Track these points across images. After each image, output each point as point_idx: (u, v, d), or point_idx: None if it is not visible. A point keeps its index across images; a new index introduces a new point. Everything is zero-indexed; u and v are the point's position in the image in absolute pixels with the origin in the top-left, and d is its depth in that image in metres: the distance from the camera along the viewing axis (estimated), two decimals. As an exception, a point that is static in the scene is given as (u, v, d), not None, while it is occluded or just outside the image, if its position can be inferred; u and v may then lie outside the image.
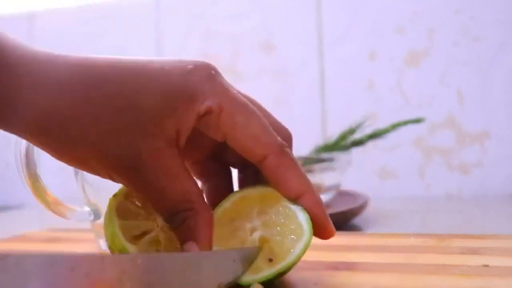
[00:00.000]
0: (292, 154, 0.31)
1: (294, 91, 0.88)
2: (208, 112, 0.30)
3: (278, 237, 0.31)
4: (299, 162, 0.32)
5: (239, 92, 0.32)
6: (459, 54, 0.79)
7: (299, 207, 0.31)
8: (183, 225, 0.30)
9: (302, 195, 0.31)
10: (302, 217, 0.31)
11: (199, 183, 0.35)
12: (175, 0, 0.95)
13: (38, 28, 1.04)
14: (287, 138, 0.33)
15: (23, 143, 0.38)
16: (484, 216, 0.65)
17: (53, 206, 0.40)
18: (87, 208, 0.43)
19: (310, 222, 0.30)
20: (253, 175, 0.34)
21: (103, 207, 0.41)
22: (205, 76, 0.30)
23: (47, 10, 1.03)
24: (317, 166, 0.63)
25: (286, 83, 0.88)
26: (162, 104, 0.29)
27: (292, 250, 0.30)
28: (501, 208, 0.68)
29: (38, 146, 0.31)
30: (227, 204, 0.32)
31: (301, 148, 0.75)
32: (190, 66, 0.30)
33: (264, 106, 0.33)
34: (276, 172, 0.31)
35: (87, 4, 1.01)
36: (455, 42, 0.80)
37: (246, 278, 0.30)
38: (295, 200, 0.31)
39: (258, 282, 0.29)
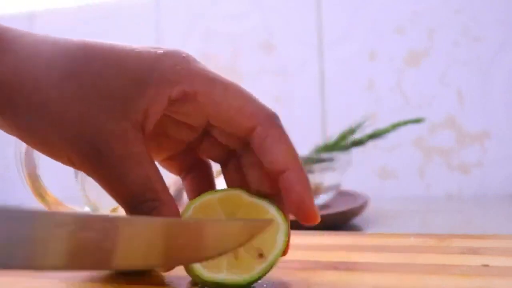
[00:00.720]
0: (282, 126, 0.30)
1: (294, 91, 0.88)
2: (183, 96, 0.29)
3: None
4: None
5: (215, 73, 0.30)
6: (459, 54, 0.79)
7: (266, 201, 0.31)
8: (150, 215, 0.29)
9: (285, 171, 0.29)
10: (272, 210, 0.30)
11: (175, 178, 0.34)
12: (175, 0, 0.95)
13: (38, 28, 1.04)
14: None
15: (23, 143, 0.38)
16: (484, 216, 0.65)
17: (53, 206, 0.40)
18: (87, 208, 0.43)
19: (281, 212, 0.30)
20: (236, 169, 0.32)
21: (103, 207, 0.41)
22: (177, 60, 0.29)
23: (47, 10, 1.03)
24: (317, 166, 0.63)
25: (286, 83, 0.88)
26: (131, 85, 0.28)
27: (275, 242, 0.30)
28: (501, 208, 0.68)
29: (9, 131, 0.30)
30: (190, 213, 0.31)
31: (301, 148, 0.75)
32: (160, 51, 0.30)
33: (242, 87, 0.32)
34: (262, 145, 0.29)
35: (87, 4, 1.01)
36: (455, 42, 0.80)
37: (242, 277, 0.29)
38: (280, 174, 0.29)
39: (255, 279, 0.30)
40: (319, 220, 0.30)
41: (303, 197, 0.29)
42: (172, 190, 0.39)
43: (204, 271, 0.29)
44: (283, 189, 0.29)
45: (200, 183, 0.34)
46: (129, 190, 0.28)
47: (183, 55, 0.30)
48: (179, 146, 0.33)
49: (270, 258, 0.30)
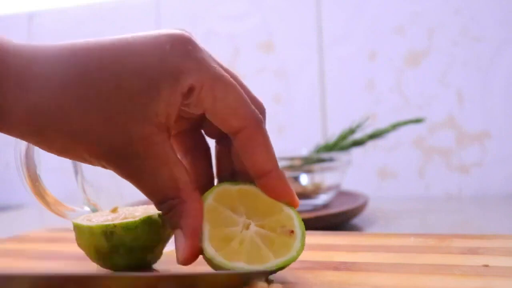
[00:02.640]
0: (266, 130, 0.32)
1: (294, 91, 0.88)
2: (191, 89, 0.30)
3: (269, 217, 0.31)
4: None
5: (217, 63, 0.31)
6: (459, 54, 0.80)
7: (250, 184, 0.32)
8: (170, 212, 0.30)
9: (267, 173, 0.31)
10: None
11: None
12: (175, 0, 0.95)
13: (38, 28, 1.04)
14: (261, 112, 0.33)
15: (23, 143, 0.38)
16: (484, 216, 0.65)
17: (53, 206, 0.40)
18: (87, 208, 0.43)
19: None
20: (230, 146, 0.33)
21: (103, 207, 0.41)
22: (183, 54, 0.30)
23: (47, 10, 1.03)
24: (317, 166, 0.63)
25: (286, 83, 0.88)
26: (147, 87, 0.29)
27: (290, 214, 0.31)
28: (501, 208, 0.68)
29: (32, 143, 0.30)
30: (209, 200, 0.32)
31: (301, 148, 0.75)
32: (167, 46, 0.30)
33: (240, 78, 0.33)
34: (246, 146, 0.31)
35: (87, 4, 1.01)
36: (455, 42, 0.80)
37: (290, 255, 0.30)
38: (259, 176, 0.32)
39: (301, 250, 0.31)
40: (299, 203, 0.33)
41: (286, 191, 0.32)
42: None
43: (254, 266, 0.30)
44: (264, 187, 0.32)
45: (199, 163, 0.35)
46: (155, 189, 0.30)
47: (189, 46, 0.30)
48: (182, 125, 0.34)
49: (298, 229, 0.31)
